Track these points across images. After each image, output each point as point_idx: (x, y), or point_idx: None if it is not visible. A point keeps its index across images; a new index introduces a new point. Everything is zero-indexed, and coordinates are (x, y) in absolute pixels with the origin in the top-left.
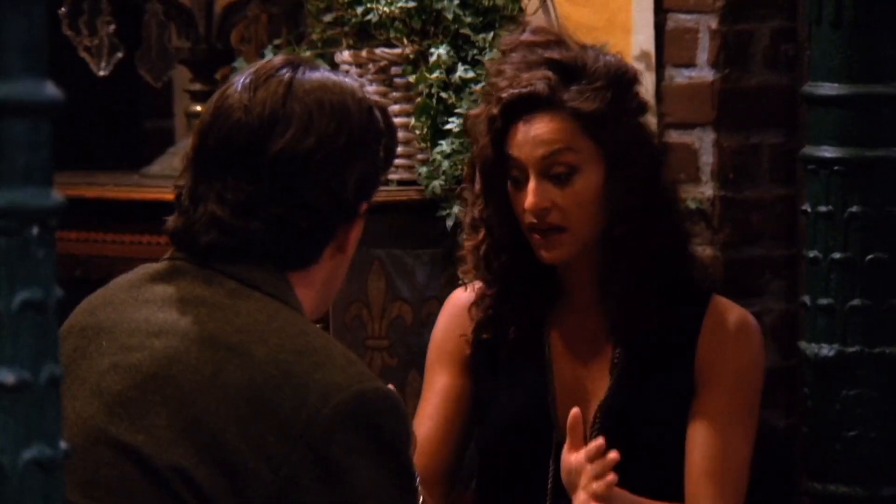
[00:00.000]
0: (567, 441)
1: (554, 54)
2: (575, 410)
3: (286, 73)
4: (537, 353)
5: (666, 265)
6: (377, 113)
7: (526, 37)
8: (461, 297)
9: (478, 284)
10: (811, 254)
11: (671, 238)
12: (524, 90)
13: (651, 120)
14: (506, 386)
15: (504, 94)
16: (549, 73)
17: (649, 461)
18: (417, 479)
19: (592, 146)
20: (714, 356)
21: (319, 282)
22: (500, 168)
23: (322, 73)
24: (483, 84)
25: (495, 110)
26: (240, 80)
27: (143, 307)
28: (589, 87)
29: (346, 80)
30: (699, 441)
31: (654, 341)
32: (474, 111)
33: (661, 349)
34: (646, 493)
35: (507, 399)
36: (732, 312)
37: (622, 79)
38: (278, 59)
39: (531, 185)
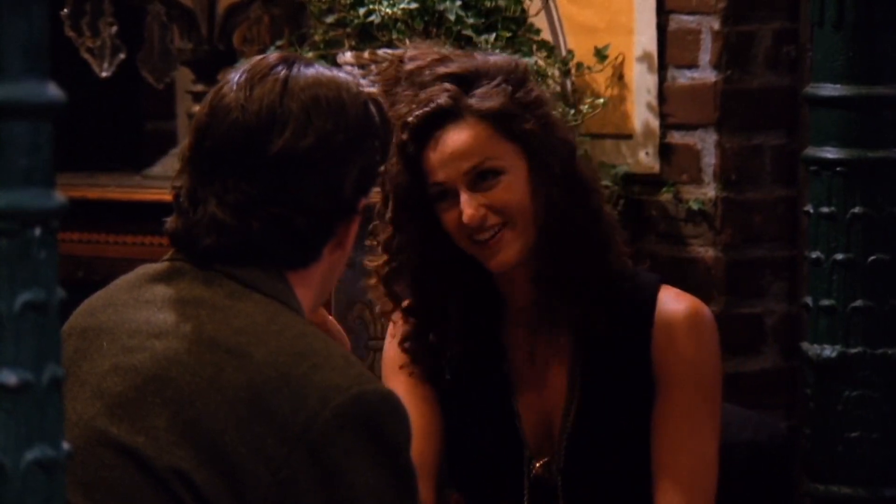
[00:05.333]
0: None
1: (443, 69)
2: None
3: (282, 71)
4: (496, 369)
5: (600, 251)
6: (372, 107)
7: (409, 66)
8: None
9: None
10: (813, 255)
11: (599, 224)
12: (428, 108)
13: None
14: (469, 406)
15: (409, 118)
16: (448, 86)
17: (619, 470)
18: (417, 480)
19: (509, 145)
20: (669, 350)
21: (320, 279)
22: (417, 192)
23: (316, 69)
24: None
25: (404, 136)
26: (235, 79)
27: (144, 308)
28: (489, 88)
29: (340, 74)
30: (665, 444)
31: (608, 340)
32: None
33: (616, 349)
34: (620, 501)
35: (473, 422)
36: (682, 302)
37: (516, 72)
38: (273, 56)
39: (463, 198)
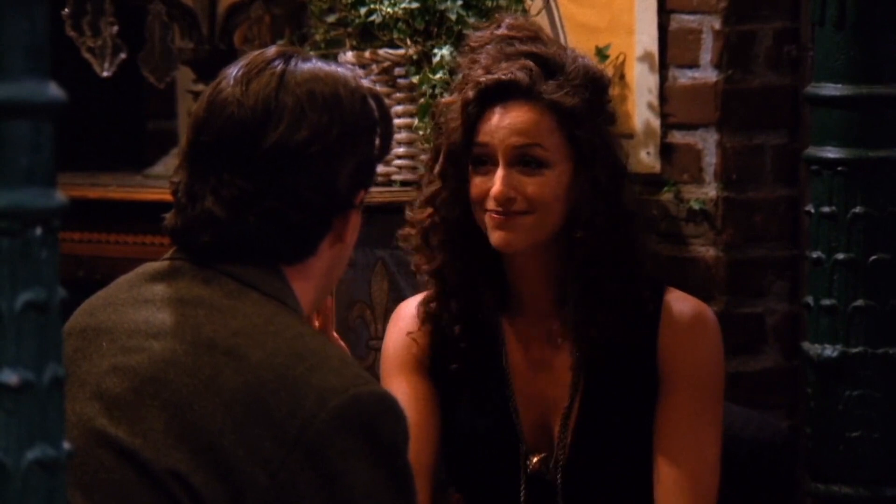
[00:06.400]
0: None
1: (533, 48)
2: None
3: (278, 65)
4: (495, 363)
5: (622, 271)
6: (371, 101)
7: (502, 31)
8: (410, 308)
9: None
10: (814, 254)
11: (629, 251)
12: (504, 77)
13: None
14: (466, 400)
15: (482, 80)
16: (530, 64)
17: (620, 469)
18: (415, 481)
19: (564, 144)
20: (674, 351)
21: (319, 273)
22: (466, 153)
23: (314, 64)
24: (458, 79)
25: (471, 94)
26: (232, 73)
27: (143, 307)
28: (568, 83)
29: (339, 69)
30: (667, 445)
31: (614, 342)
32: (446, 99)
33: (621, 349)
34: (619, 500)
35: (470, 415)
36: (687, 304)
37: (598, 82)
38: (271, 50)
39: (499, 172)
